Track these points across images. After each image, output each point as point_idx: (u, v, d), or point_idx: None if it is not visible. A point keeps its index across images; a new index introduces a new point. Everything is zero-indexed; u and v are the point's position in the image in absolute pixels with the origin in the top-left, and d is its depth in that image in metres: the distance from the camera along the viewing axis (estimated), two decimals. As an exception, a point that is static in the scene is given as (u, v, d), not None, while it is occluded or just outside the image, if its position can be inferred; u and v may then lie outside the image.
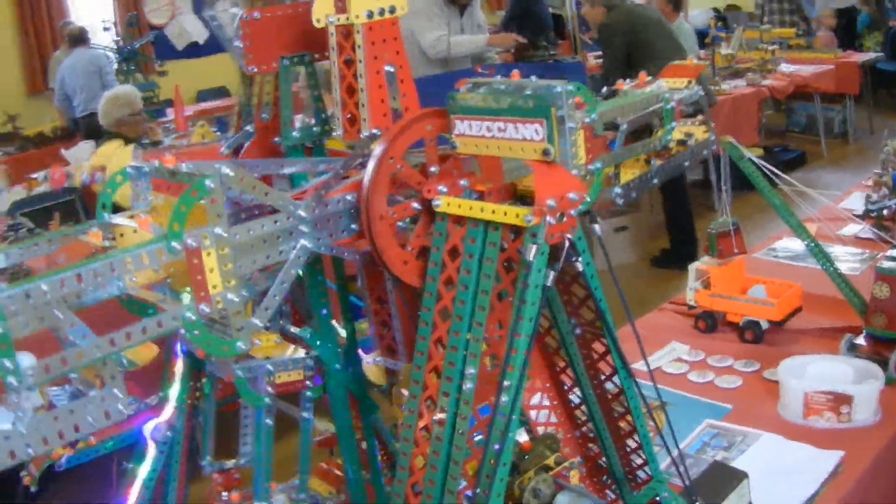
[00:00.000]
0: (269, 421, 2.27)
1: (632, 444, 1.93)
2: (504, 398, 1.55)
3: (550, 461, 1.78)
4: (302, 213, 1.66)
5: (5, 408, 1.35)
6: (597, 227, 1.62)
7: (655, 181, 1.99)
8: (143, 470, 2.45)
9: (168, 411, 2.47)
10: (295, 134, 2.10)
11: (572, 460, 1.79)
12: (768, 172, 3.54)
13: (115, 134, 6.79)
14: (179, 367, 2.43)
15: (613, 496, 2.07)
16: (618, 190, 1.93)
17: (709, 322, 3.83)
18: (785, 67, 9.66)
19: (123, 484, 2.49)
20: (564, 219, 1.55)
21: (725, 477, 2.66)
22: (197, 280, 1.50)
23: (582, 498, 1.70)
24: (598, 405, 1.90)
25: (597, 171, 1.73)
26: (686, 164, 2.05)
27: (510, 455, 1.57)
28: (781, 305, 3.61)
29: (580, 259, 1.61)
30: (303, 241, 1.67)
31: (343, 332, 2.30)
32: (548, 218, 1.52)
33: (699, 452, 3.04)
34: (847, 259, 4.28)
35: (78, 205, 7.15)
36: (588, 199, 1.59)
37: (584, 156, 1.67)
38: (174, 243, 1.47)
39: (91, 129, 8.02)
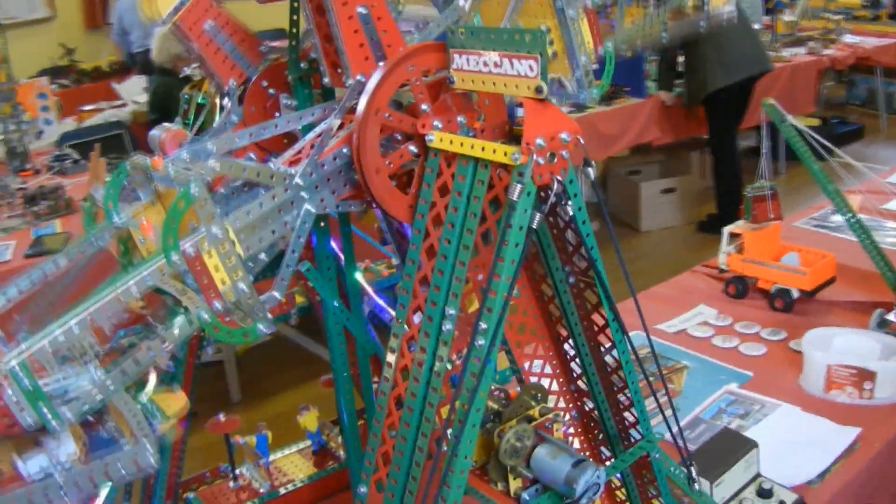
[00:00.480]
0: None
1: (624, 400, 1.88)
2: (480, 341, 1.50)
3: (535, 412, 1.73)
4: (299, 181, 1.62)
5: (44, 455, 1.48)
6: (591, 170, 1.55)
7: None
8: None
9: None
10: (303, 65, 2.04)
11: (557, 412, 1.73)
12: (812, 141, 3.43)
13: (168, 70, 6.77)
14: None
15: (608, 454, 2.02)
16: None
17: (739, 287, 3.74)
18: (848, 38, 9.35)
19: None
20: (555, 159, 1.49)
21: (733, 445, 2.60)
22: (204, 283, 1.51)
23: (561, 452, 1.65)
24: (592, 358, 1.85)
25: (608, 54, 1.66)
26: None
27: (483, 402, 1.52)
28: (814, 275, 3.50)
29: (571, 203, 1.55)
30: (306, 207, 1.64)
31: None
32: (536, 157, 1.46)
33: (714, 418, 2.98)
34: (888, 233, 4.15)
35: (126, 139, 7.20)
36: (582, 140, 1.52)
37: (591, 41, 1.60)
38: (174, 257, 1.48)
39: (146, 65, 8.03)
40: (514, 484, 1.70)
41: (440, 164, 1.62)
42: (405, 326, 1.67)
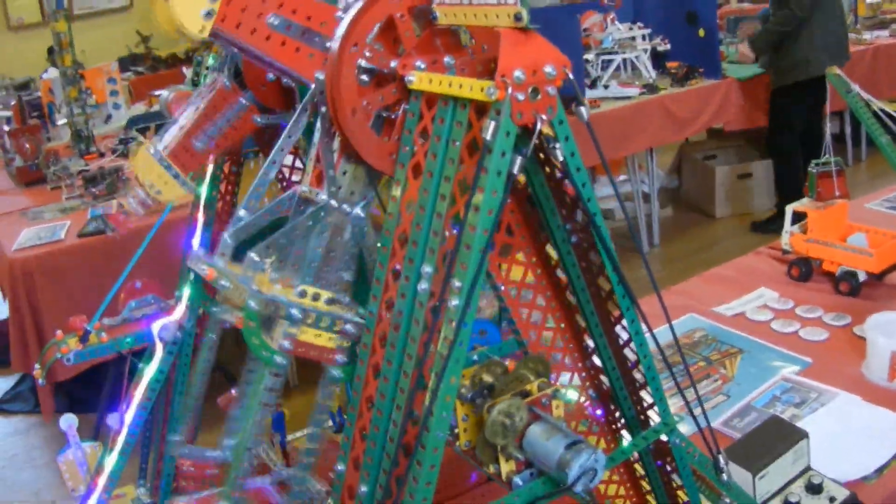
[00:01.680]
0: (270, 395, 1.79)
1: (639, 378, 1.67)
2: (454, 301, 1.31)
3: (532, 387, 1.54)
4: (333, 202, 1.58)
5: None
6: (583, 109, 1.35)
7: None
8: (149, 371, 2.32)
9: (179, 311, 2.34)
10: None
11: (557, 388, 1.54)
12: (881, 113, 3.17)
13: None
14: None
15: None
16: None
17: (803, 269, 3.49)
18: (934, 20, 8.87)
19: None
20: (538, 96, 1.29)
21: (782, 434, 2.37)
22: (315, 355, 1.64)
23: (555, 432, 1.46)
24: (602, 329, 1.65)
25: None
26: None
27: (458, 369, 1.34)
28: (882, 256, 3.23)
29: (560, 146, 1.35)
30: (356, 212, 1.61)
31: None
32: (514, 93, 1.27)
33: (767, 406, 2.76)
34: (965, 216, 3.84)
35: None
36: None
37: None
38: (278, 359, 1.65)
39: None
40: (507, 467, 1.51)
41: (421, 108, 1.44)
42: (382, 289, 1.50)
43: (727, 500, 2.24)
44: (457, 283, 1.31)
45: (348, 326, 1.60)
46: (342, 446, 1.56)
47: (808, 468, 2.33)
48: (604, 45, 6.67)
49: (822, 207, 3.41)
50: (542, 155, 1.49)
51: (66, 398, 5.33)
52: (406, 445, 1.40)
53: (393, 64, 1.47)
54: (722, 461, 1.80)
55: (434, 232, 1.39)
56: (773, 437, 2.35)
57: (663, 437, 1.72)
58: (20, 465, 5.14)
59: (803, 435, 2.34)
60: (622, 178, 7.23)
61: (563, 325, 1.74)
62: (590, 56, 6.62)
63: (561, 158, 1.36)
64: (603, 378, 1.78)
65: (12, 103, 6.21)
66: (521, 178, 1.57)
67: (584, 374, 1.80)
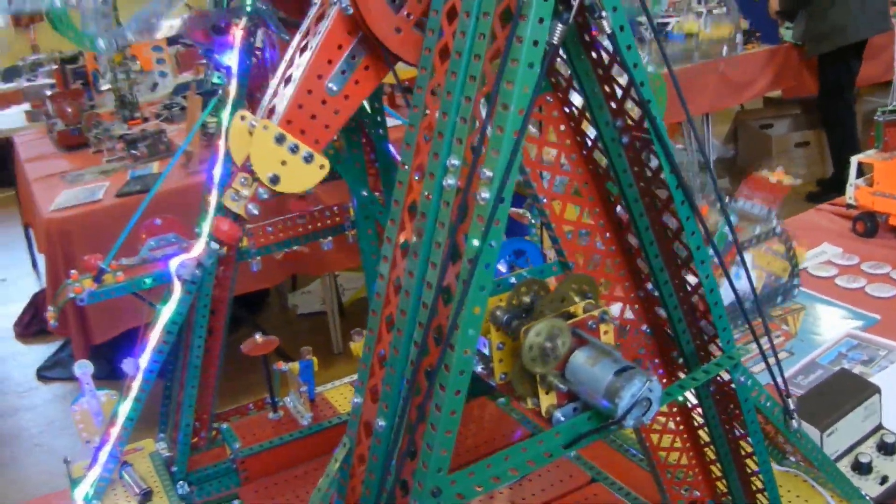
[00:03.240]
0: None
1: (699, 304, 1.45)
2: (484, 194, 1.10)
3: (577, 308, 1.32)
4: None
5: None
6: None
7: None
8: (167, 311, 2.13)
9: (199, 247, 2.14)
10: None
11: (605, 309, 1.31)
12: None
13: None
14: (213, 200, 2.08)
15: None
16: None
17: (868, 224, 3.22)
18: None
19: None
20: (584, -52, 1.07)
21: (852, 388, 2.12)
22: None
23: (603, 356, 1.24)
24: (658, 247, 1.42)
25: None
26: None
27: (489, 276, 1.12)
28: (955, 208, 2.95)
29: (606, 16, 1.12)
30: None
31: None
32: (555, -57, 1.05)
33: (833, 364, 2.51)
34: None
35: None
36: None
37: None
38: None
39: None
40: (546, 400, 1.29)
41: (448, -19, 1.22)
42: (405, 191, 1.28)
43: (794, 459, 2.01)
44: (487, 173, 1.10)
45: None
46: (359, 376, 1.35)
47: (879, 426, 2.09)
48: (658, 8, 6.38)
49: (890, 158, 3.14)
50: (587, 38, 1.26)
51: (107, 365, 5.19)
52: (429, 369, 1.18)
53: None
54: (792, 405, 1.57)
55: (462, 119, 1.17)
56: (843, 392, 2.10)
57: (724, 376, 1.49)
58: (57, 431, 5.03)
59: (875, 390, 2.09)
60: (679, 146, 6.94)
61: (612, 248, 1.51)
62: (642, 19, 6.34)
63: (608, 31, 1.13)
64: (659, 311, 1.55)
65: (54, 67, 6.09)
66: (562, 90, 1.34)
67: (637, 307, 1.57)
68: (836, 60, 6.20)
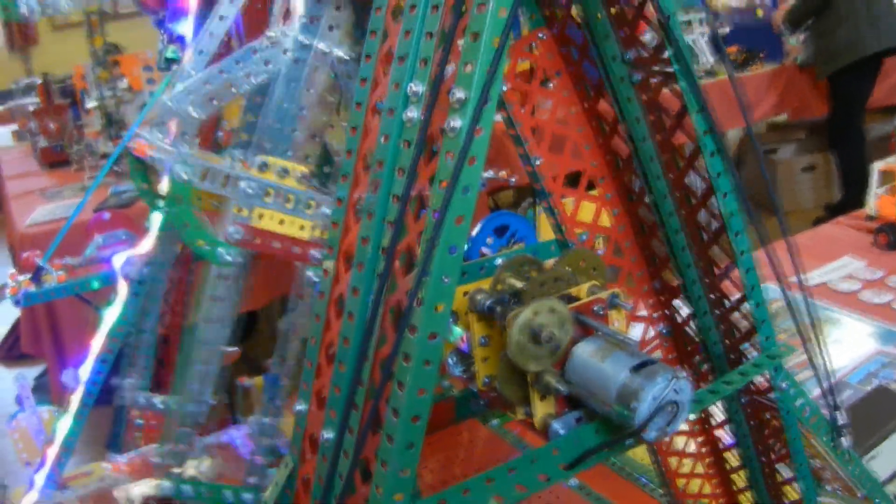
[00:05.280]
0: (220, 308, 1.36)
1: (734, 292, 1.14)
2: (455, 122, 0.79)
3: (580, 290, 1.01)
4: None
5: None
6: None
7: None
8: (112, 314, 1.83)
9: (147, 242, 1.84)
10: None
11: (615, 291, 1.01)
12: None
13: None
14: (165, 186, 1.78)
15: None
16: None
17: (892, 236, 2.92)
18: None
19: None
20: None
21: (891, 406, 1.83)
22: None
23: (615, 348, 0.93)
24: (680, 216, 1.11)
25: None
26: None
27: (460, 237, 0.82)
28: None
29: None
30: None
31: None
32: None
33: (862, 384, 2.20)
34: None
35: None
36: None
37: None
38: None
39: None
40: (542, 408, 0.98)
41: None
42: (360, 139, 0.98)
43: (830, 488, 1.70)
44: (458, 94, 0.79)
45: (325, 209, 1.15)
46: (304, 376, 1.04)
47: (927, 450, 1.79)
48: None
49: (914, 165, 2.85)
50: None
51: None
52: (385, 361, 0.87)
53: None
54: (841, 419, 1.26)
55: (429, 34, 0.87)
56: (882, 408, 1.81)
57: (761, 381, 1.18)
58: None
59: (921, 408, 1.79)
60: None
61: (622, 227, 1.21)
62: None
63: None
64: (677, 304, 1.25)
65: (38, 82, 5.82)
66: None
67: (651, 301, 1.26)
68: (848, 79, 5.89)
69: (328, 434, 0.96)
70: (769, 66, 6.17)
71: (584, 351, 0.95)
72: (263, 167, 1.17)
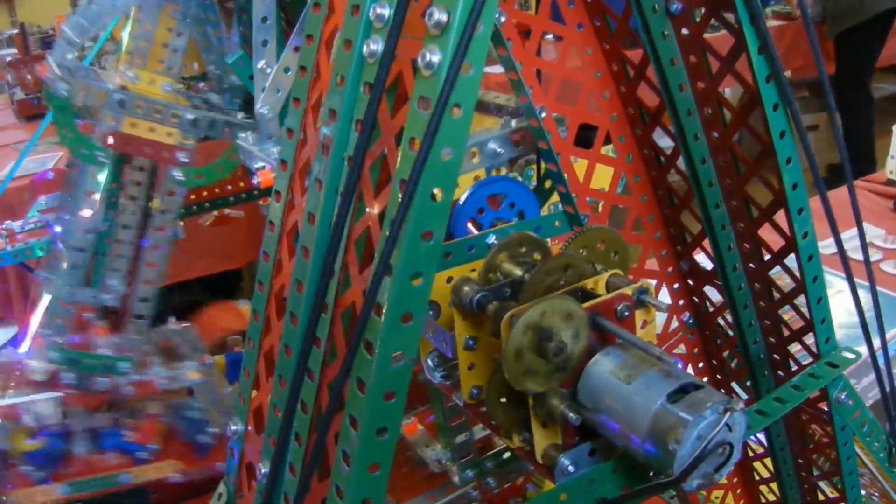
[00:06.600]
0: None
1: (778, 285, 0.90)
2: (433, 56, 0.54)
3: (598, 283, 0.77)
4: None
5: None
6: None
7: None
8: (51, 286, 1.59)
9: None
10: None
11: (643, 285, 0.76)
12: None
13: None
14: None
15: (747, 397, 1.06)
16: None
17: (912, 202, 2.69)
18: None
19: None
20: None
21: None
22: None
23: (647, 367, 0.69)
24: (719, 184, 0.87)
25: None
26: None
27: (445, 208, 0.57)
28: None
29: None
30: None
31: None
32: None
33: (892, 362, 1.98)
34: None
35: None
36: None
37: None
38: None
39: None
40: (545, 437, 0.74)
41: None
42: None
43: (866, 492, 1.47)
44: (438, 16, 0.54)
45: (188, 116, 1.31)
46: (240, 387, 0.80)
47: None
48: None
49: (936, 128, 2.61)
50: None
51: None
52: (333, 384, 0.63)
53: None
54: (901, 433, 1.02)
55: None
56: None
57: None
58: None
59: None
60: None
61: (645, 198, 0.96)
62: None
63: None
64: (707, 289, 1.00)
65: (14, 32, 5.52)
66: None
67: (677, 286, 1.02)
68: (856, 39, 5.62)
69: (265, 468, 0.72)
70: (776, 22, 5.89)
71: (604, 367, 0.71)
72: (135, 79, 1.32)
